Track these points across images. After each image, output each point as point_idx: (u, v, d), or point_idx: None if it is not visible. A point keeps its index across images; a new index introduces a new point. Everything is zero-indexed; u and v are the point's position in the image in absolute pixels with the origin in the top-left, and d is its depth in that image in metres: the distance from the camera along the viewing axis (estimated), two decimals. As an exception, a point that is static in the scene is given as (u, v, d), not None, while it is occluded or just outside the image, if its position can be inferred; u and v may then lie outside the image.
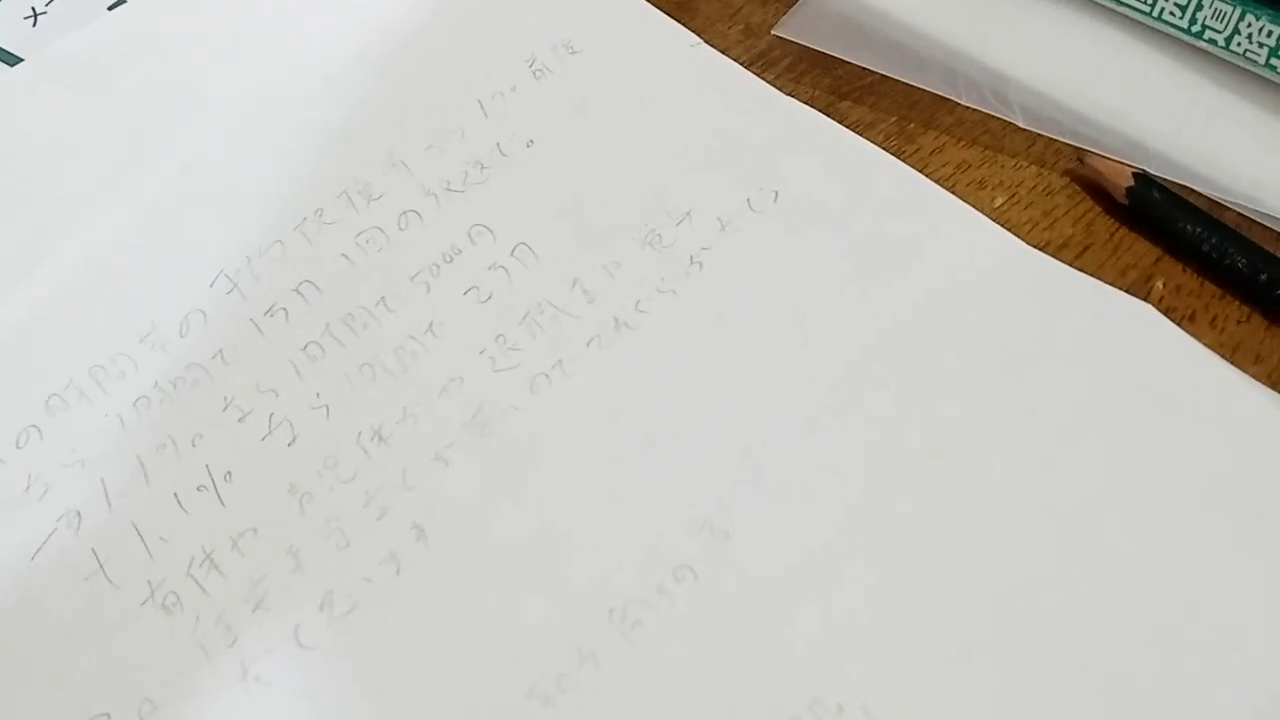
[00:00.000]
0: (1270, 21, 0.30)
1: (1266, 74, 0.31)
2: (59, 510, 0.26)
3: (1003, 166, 0.31)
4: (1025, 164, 0.31)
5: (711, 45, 0.33)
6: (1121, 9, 0.32)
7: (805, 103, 0.31)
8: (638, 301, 0.28)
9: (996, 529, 0.25)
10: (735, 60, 0.32)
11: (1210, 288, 0.29)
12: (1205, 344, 0.27)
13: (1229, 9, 0.31)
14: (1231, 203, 0.30)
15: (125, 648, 0.24)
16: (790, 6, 0.34)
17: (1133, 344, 0.27)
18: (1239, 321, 0.29)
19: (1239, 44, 0.31)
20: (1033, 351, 0.27)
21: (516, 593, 0.24)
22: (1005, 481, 0.26)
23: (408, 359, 0.27)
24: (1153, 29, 0.32)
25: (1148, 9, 0.32)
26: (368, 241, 0.29)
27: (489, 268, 0.29)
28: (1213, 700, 0.23)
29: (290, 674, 0.24)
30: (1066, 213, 0.30)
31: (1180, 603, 0.24)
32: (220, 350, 0.28)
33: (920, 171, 0.30)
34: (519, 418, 0.27)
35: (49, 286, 0.29)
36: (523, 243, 0.29)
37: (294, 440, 0.26)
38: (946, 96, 0.32)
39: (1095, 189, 0.31)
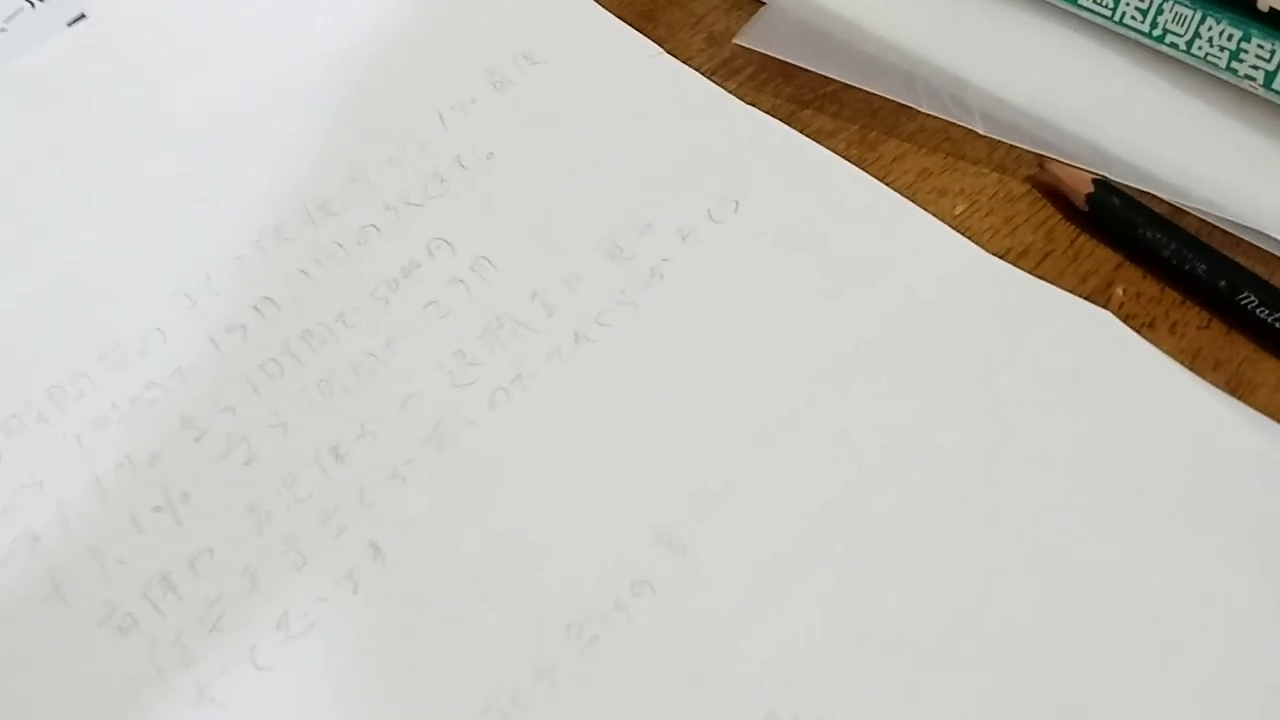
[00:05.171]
0: (1230, 25, 0.30)
1: (1227, 77, 0.31)
2: (16, 532, 0.26)
3: (964, 174, 0.31)
4: (986, 171, 0.31)
5: (674, 54, 0.33)
6: (1082, 13, 0.32)
7: (767, 112, 0.31)
8: (598, 314, 0.28)
9: (956, 540, 0.25)
10: (697, 69, 0.32)
11: (1170, 294, 0.29)
12: (1165, 351, 0.27)
13: (1189, 12, 0.31)
14: (1192, 208, 0.30)
15: (81, 670, 0.24)
16: (752, 15, 0.34)
17: (1093, 351, 0.27)
18: (1199, 328, 0.29)
19: (1200, 47, 0.31)
20: (993, 360, 0.27)
21: (474, 610, 0.24)
22: (965, 491, 0.26)
23: (366, 375, 0.27)
24: (1113, 33, 0.32)
25: (1108, 13, 0.32)
26: (327, 257, 0.29)
27: (448, 282, 0.29)
28: (1169, 703, 0.23)
29: (246, 695, 0.24)
30: (1027, 219, 0.30)
31: (1138, 608, 0.24)
32: (179, 368, 0.28)
33: (881, 180, 0.30)
34: (477, 433, 0.27)
35: (8, 306, 0.29)
36: (482, 256, 0.29)
37: (251, 459, 0.26)
38: (907, 104, 0.32)
39: (1056, 195, 0.31)
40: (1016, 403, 0.27)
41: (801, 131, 0.31)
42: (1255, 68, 0.30)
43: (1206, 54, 0.31)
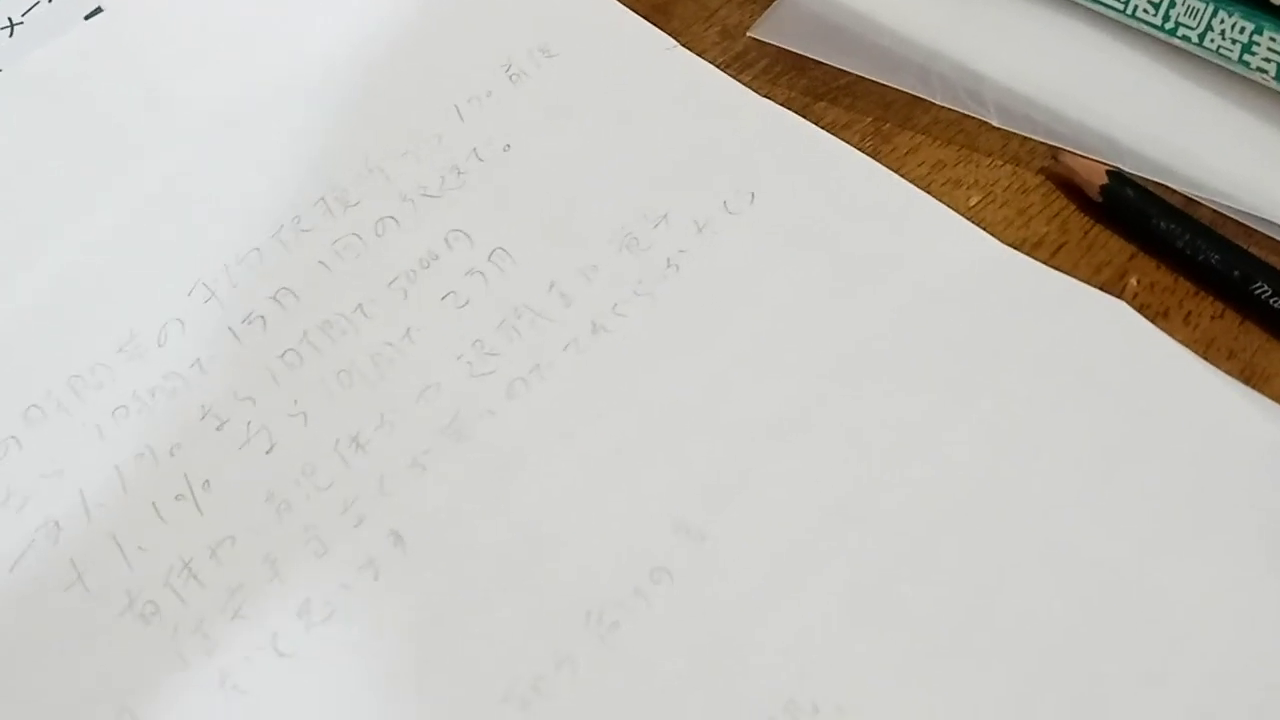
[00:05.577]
0: (1242, 18, 0.30)
1: (1239, 70, 0.31)
2: (38, 521, 0.26)
3: (978, 165, 0.31)
4: (1000, 163, 0.31)
5: (688, 47, 0.33)
6: (1095, 7, 0.32)
7: (781, 104, 0.32)
8: (615, 305, 0.28)
9: (971, 530, 0.25)
10: (711, 62, 0.33)
11: (1184, 284, 0.29)
12: (1179, 341, 0.27)
13: (1202, 6, 0.31)
14: (1205, 199, 0.30)
15: (104, 658, 0.24)
16: (766, 8, 0.34)
17: (1107, 341, 0.28)
18: (1212, 318, 0.29)
19: (1212, 40, 0.31)
20: (1007, 350, 0.27)
21: (493, 597, 0.25)
22: (980, 481, 0.26)
23: (385, 365, 0.28)
24: (1126, 26, 0.32)
25: (1121, 6, 0.32)
26: (345, 248, 0.29)
27: (466, 273, 0.29)
28: (1179, 696, 0.23)
29: (269, 681, 0.24)
30: (1041, 211, 0.30)
31: (1151, 599, 0.24)
32: (198, 359, 0.28)
33: (896, 172, 0.30)
34: (496, 423, 0.27)
35: (27, 297, 0.29)
36: (500, 248, 0.29)
37: (272, 448, 0.26)
38: (921, 96, 0.32)
39: (1070, 187, 0.31)
40: (1031, 392, 0.27)
41: (816, 124, 0.31)
42: (1268, 60, 0.30)
43: (1219, 47, 0.31)
